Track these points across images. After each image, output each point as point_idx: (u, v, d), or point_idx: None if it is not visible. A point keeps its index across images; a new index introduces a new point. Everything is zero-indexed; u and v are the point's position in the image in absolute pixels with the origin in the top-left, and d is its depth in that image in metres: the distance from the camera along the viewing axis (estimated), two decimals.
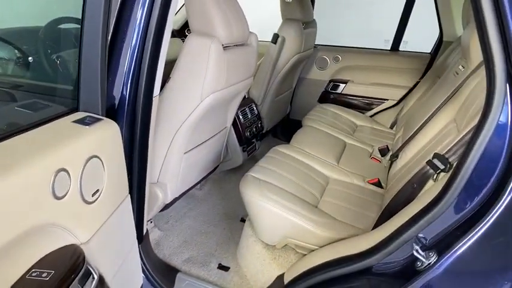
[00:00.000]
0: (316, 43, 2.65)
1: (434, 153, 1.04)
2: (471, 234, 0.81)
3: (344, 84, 2.68)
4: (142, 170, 1.17)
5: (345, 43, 2.77)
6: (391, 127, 2.48)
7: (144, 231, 1.36)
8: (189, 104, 1.38)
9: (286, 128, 3.01)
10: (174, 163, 1.52)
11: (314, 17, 2.50)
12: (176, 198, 1.68)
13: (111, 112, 1.02)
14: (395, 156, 1.60)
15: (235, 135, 2.07)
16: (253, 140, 2.24)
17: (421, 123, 1.51)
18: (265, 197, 1.35)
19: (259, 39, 1.68)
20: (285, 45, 2.16)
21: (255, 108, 2.24)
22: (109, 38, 0.98)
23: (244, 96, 2.23)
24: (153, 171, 1.53)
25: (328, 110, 2.50)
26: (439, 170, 0.98)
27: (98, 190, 0.84)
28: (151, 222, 1.79)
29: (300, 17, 2.22)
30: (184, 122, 1.41)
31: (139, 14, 0.97)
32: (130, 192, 1.16)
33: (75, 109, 0.94)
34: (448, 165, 0.97)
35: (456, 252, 0.83)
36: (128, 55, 1.01)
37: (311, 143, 1.90)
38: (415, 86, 2.43)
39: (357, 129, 2.38)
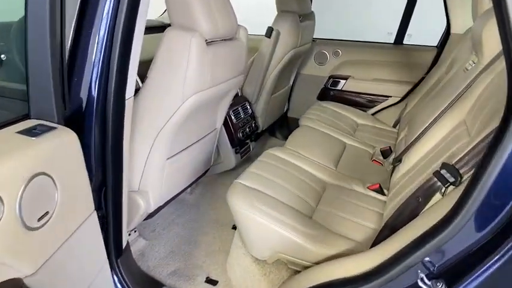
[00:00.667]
0: (314, 37, 2.51)
1: (443, 163, 0.90)
2: (488, 264, 0.69)
3: (344, 81, 2.54)
4: (117, 179, 1.05)
5: (345, 36, 2.62)
6: (394, 126, 2.34)
7: (124, 244, 1.24)
8: (168, 106, 1.25)
9: (284, 127, 2.88)
10: (155, 170, 1.39)
11: (312, 9, 2.35)
12: (161, 206, 1.56)
13: (76, 118, 0.90)
14: (398, 160, 1.46)
15: (226, 137, 1.94)
16: (247, 141, 2.11)
17: (426, 125, 1.37)
18: (254, 207, 1.22)
19: (251, 33, 1.55)
20: (280, 39, 2.02)
21: (248, 107, 2.11)
22: (72, 31, 0.86)
23: (237, 94, 2.10)
24: (133, 179, 1.41)
25: (327, 108, 2.36)
26: (448, 184, 0.85)
27: (47, 213, 0.72)
28: (135, 231, 1.67)
29: (297, 8, 2.07)
30: (164, 126, 1.28)
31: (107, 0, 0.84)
32: (106, 204, 1.04)
33: (27, 116, 0.81)
34: (459, 178, 0.83)
35: (470, 285, 0.70)
36: (95, 50, 0.88)
37: (307, 145, 1.77)
38: (420, 82, 2.29)
39: (358, 128, 2.25)
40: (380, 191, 1.52)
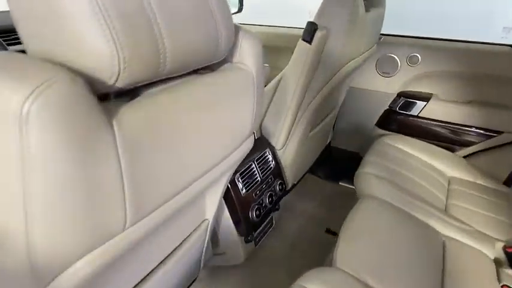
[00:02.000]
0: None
1: None
2: None
3: (424, 102, 1.62)
4: None
5: (428, 33, 1.68)
6: (507, 183, 1.43)
7: None
8: None
9: (327, 161, 2.01)
10: None
11: None
12: None
13: None
14: None
15: (230, 220, 1.12)
16: (270, 214, 1.29)
17: None
18: None
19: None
20: (329, 45, 1.14)
21: (270, 158, 1.27)
22: None
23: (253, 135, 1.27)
24: None
25: (398, 148, 1.50)
26: None
27: None
28: None
29: None
30: None
31: None
32: None
33: None
34: None
35: None
36: None
37: (379, 256, 0.93)
38: None
39: (451, 188, 1.36)
40: None
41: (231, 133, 0.64)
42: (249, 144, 0.74)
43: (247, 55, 0.63)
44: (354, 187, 1.46)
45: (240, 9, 1.86)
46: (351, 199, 1.76)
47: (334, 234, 1.59)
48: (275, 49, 1.93)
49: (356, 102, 1.82)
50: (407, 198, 1.19)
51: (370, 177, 1.29)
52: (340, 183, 1.95)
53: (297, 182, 1.56)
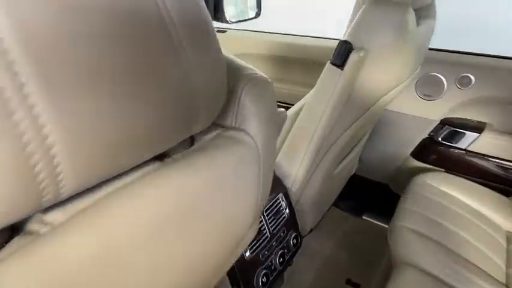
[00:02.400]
0: None
1: None
2: None
3: (475, 134, 1.34)
4: None
5: (481, 48, 1.39)
6: None
7: None
8: None
9: (350, 191, 1.75)
10: None
11: None
12: None
13: None
14: None
15: (229, 286, 0.88)
16: (281, 274, 1.05)
17: None
18: None
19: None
20: (367, 69, 0.88)
21: (283, 204, 1.02)
22: None
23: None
24: None
25: (442, 191, 1.22)
26: None
27: None
28: None
29: None
30: None
31: None
32: None
33: None
34: None
35: None
36: None
37: None
38: None
39: (510, 249, 1.08)
40: None
41: (221, 240, 0.40)
42: (251, 235, 0.50)
43: (250, 116, 0.39)
44: (380, 223, 1.20)
45: (258, 14, 1.60)
46: (375, 239, 1.50)
47: (357, 286, 1.34)
48: (289, 61, 1.66)
49: (388, 127, 1.54)
50: (458, 269, 0.93)
51: (408, 234, 1.02)
52: (363, 217, 1.69)
53: (315, 226, 1.31)
